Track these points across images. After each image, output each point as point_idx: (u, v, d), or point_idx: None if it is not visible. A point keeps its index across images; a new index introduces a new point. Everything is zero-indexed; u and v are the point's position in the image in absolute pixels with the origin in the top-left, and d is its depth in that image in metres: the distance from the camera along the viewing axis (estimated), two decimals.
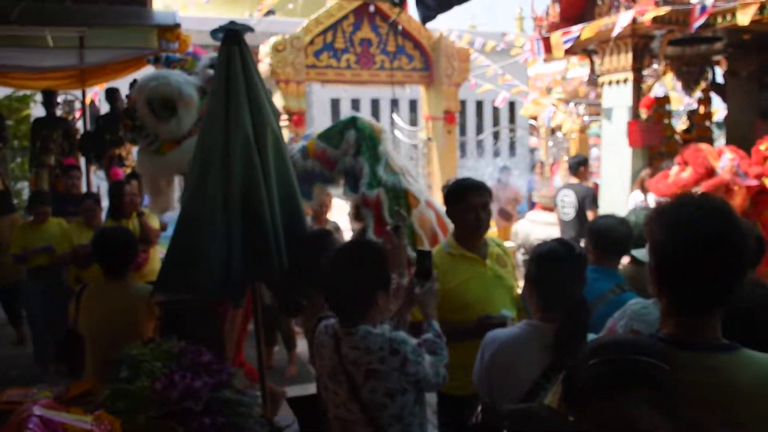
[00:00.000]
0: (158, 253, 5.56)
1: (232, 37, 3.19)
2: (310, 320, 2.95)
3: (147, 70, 4.44)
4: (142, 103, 3.65)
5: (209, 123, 3.23)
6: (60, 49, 7.51)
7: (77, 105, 9.22)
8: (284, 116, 8.33)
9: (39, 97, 8.45)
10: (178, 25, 7.23)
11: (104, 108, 8.38)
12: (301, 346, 6.05)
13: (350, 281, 2.35)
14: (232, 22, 3.24)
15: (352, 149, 4.00)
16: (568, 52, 7.47)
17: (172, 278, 3.16)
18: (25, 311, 6.22)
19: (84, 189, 7.39)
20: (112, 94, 7.88)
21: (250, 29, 3.25)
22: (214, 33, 3.24)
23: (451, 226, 3.46)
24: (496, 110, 21.69)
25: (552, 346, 2.15)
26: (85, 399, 2.86)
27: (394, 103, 19.27)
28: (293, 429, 3.05)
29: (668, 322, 1.54)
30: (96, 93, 10.44)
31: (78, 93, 8.53)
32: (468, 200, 3.06)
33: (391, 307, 2.51)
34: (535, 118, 12.66)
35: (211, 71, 3.80)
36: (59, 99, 8.44)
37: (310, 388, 3.80)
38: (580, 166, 7.11)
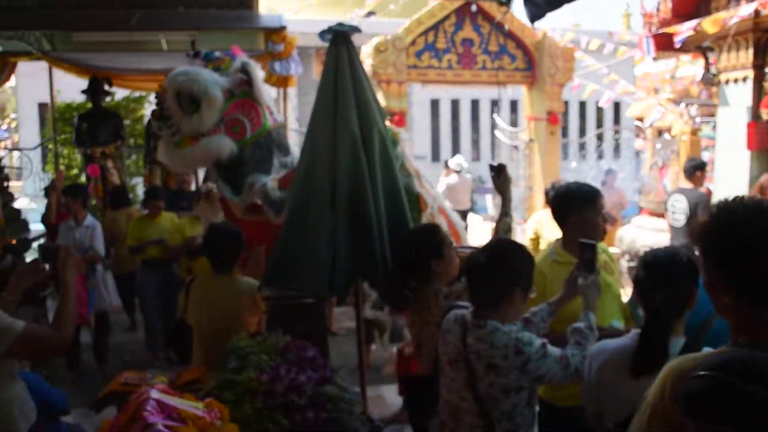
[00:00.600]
0: None
1: (340, 38, 3.23)
2: (415, 315, 2.96)
3: None
4: (171, 94, 3.75)
5: (317, 123, 3.29)
6: (173, 53, 7.91)
7: None
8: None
9: (153, 98, 8.90)
10: (283, 28, 7.44)
11: None
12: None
13: (493, 274, 2.39)
14: (340, 24, 3.27)
15: None
16: (680, 49, 7.11)
17: (278, 274, 3.25)
18: (139, 300, 6.56)
19: (193, 186, 7.72)
20: None
21: (357, 30, 3.28)
22: (322, 34, 3.29)
23: (463, 234, 3.35)
24: (600, 111, 20.98)
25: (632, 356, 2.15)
26: (194, 386, 2.97)
27: (495, 104, 19.03)
28: (393, 429, 3.06)
29: (741, 330, 1.52)
30: None
31: None
32: (587, 209, 2.95)
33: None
34: (641, 119, 12.15)
35: (242, 75, 3.88)
36: None
37: None
38: (696, 170, 6.67)
